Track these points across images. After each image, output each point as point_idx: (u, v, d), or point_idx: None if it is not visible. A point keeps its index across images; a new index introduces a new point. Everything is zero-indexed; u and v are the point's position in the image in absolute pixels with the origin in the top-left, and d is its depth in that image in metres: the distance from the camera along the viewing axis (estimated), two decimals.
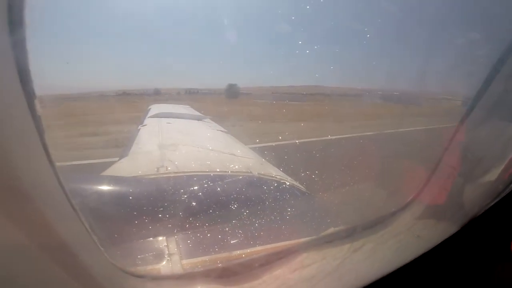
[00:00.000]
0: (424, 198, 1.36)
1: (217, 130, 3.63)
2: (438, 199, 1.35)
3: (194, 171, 1.85)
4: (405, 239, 1.25)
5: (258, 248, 1.17)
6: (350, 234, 1.20)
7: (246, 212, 1.49)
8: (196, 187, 1.56)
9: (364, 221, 1.29)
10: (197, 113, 5.37)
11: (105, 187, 1.40)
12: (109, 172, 1.80)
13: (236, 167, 2.06)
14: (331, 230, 1.22)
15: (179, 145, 2.46)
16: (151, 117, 3.97)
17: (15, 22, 0.44)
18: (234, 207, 1.50)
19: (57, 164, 0.56)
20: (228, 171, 1.95)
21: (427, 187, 1.38)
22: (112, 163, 2.03)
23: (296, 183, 2.01)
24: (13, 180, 0.45)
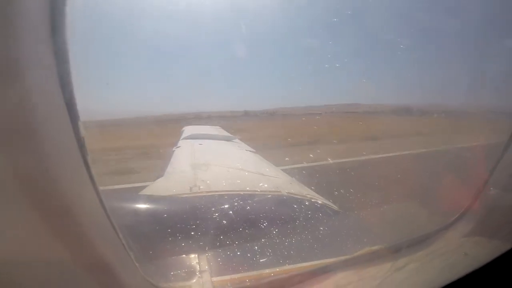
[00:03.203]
0: (473, 215, 1.22)
1: (246, 150, 3.69)
2: (489, 216, 1.20)
3: (225, 190, 1.88)
4: (452, 258, 1.13)
5: (289, 267, 1.13)
6: (391, 254, 1.10)
7: (276, 231, 1.46)
8: (227, 206, 1.58)
9: (406, 240, 1.19)
10: (227, 133, 5.55)
11: (141, 206, 1.49)
12: (145, 191, 1.91)
13: (266, 186, 2.06)
14: (368, 249, 1.13)
15: (210, 165, 2.54)
16: (184, 139, 4.19)
17: (60, 53, 0.48)
18: (264, 225, 1.48)
19: (100, 187, 0.59)
20: (258, 190, 1.95)
21: (476, 204, 1.25)
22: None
23: (328, 202, 1.94)
24: (58, 200, 0.49)
